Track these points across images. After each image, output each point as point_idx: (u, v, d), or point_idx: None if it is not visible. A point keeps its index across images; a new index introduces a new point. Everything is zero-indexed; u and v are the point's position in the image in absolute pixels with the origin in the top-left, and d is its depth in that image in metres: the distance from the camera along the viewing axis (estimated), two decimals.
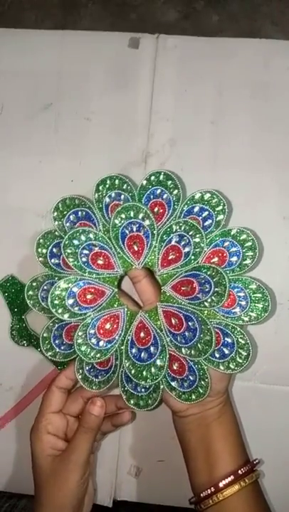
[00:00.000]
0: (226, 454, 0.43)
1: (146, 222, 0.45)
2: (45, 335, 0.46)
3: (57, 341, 0.46)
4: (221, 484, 0.41)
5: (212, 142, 0.53)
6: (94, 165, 0.53)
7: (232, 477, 0.41)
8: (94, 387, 0.45)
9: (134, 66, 0.54)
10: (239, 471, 0.41)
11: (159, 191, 0.46)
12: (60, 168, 0.54)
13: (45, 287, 0.46)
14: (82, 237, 0.45)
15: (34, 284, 0.47)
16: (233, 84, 0.53)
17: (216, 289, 0.43)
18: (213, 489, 0.41)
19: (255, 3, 0.56)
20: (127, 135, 0.53)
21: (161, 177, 0.46)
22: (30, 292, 0.47)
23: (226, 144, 0.53)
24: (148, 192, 0.46)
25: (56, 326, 0.46)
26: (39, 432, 0.44)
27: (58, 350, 0.46)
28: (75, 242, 0.45)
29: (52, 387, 0.46)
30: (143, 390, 0.44)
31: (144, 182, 0.47)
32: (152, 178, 0.47)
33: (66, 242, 0.45)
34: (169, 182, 0.46)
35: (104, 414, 0.45)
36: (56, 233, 0.47)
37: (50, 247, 0.47)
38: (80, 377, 0.45)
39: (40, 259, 0.47)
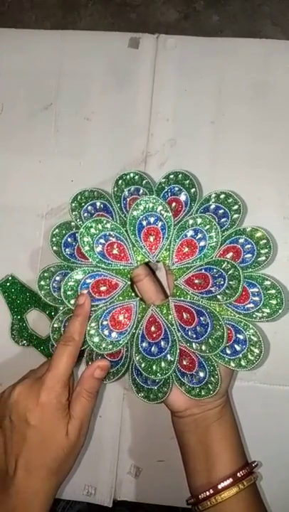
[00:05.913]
0: (224, 455, 0.42)
1: (164, 215, 0.45)
2: (55, 325, 0.46)
3: None
4: (219, 486, 0.41)
5: (212, 142, 0.53)
6: (94, 165, 0.53)
7: (231, 480, 0.41)
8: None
9: (134, 66, 0.54)
10: (238, 474, 0.41)
11: (176, 189, 0.47)
12: (60, 168, 0.54)
13: (57, 278, 0.46)
14: (100, 227, 0.45)
15: (46, 274, 0.47)
16: (233, 84, 0.53)
17: (230, 283, 0.43)
18: (211, 491, 0.41)
19: (255, 3, 0.56)
20: (127, 135, 0.53)
21: (180, 176, 0.47)
22: (42, 282, 0.47)
23: (225, 144, 0.52)
24: (166, 189, 0.47)
25: (67, 317, 0.46)
26: (62, 407, 0.41)
27: None
28: (92, 230, 0.45)
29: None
30: (153, 383, 0.44)
31: (163, 180, 0.47)
32: (171, 176, 0.47)
33: (83, 231, 0.45)
34: (187, 181, 0.47)
35: None
36: (72, 223, 0.48)
37: (65, 237, 0.47)
38: None
39: (54, 248, 0.47)
